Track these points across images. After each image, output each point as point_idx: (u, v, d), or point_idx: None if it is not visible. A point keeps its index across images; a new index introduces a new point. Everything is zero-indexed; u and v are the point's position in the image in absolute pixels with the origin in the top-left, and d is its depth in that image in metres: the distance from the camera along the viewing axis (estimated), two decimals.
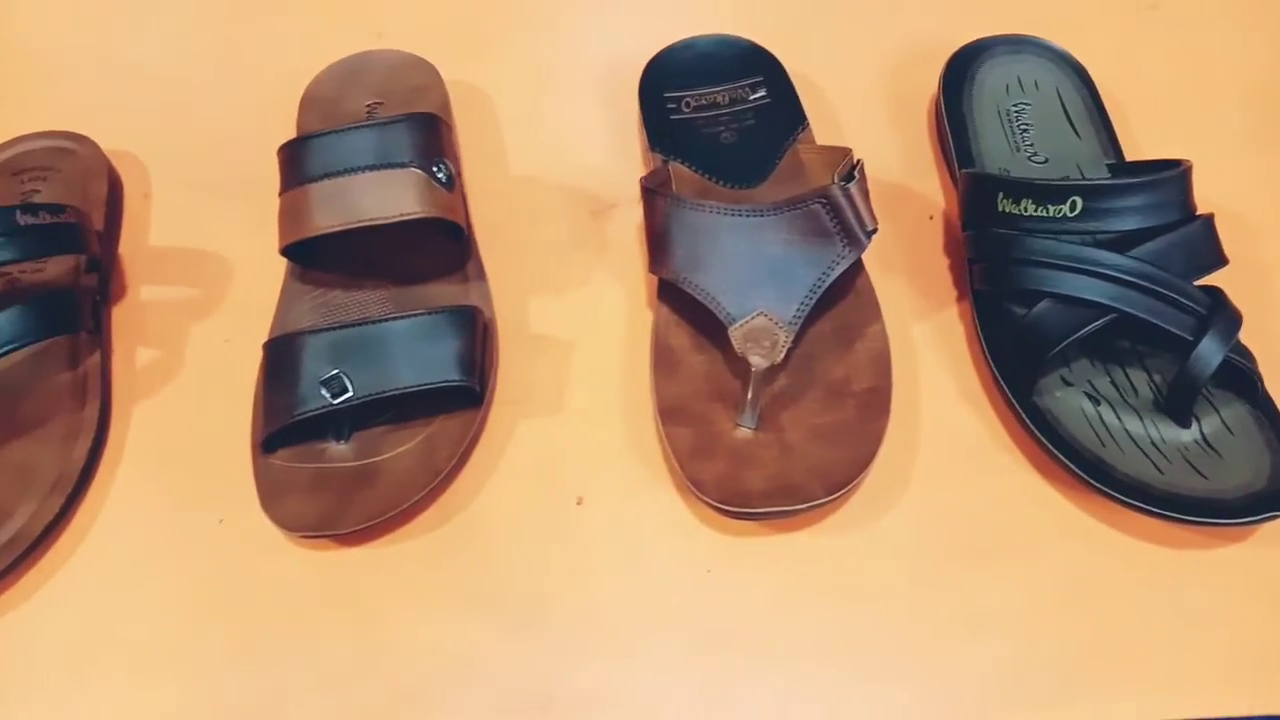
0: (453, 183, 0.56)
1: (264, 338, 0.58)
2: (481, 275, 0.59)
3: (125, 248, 0.65)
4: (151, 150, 0.69)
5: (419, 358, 0.52)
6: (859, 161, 0.56)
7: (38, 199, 0.63)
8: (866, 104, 0.68)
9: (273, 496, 0.52)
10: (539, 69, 0.71)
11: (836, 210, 0.53)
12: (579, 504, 0.54)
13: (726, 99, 0.65)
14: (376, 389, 0.52)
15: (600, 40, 0.72)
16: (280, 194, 0.57)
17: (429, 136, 0.56)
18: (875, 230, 0.54)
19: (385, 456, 0.54)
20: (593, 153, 0.67)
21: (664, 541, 0.53)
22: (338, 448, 0.54)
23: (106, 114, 0.70)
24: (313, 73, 0.69)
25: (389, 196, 0.53)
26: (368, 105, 0.66)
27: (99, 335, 0.59)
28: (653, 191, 0.57)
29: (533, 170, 0.67)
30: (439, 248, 0.60)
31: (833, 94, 0.69)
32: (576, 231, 0.64)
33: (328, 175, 0.54)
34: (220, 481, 0.55)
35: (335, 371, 0.52)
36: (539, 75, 0.71)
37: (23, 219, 0.54)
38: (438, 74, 0.67)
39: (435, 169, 0.55)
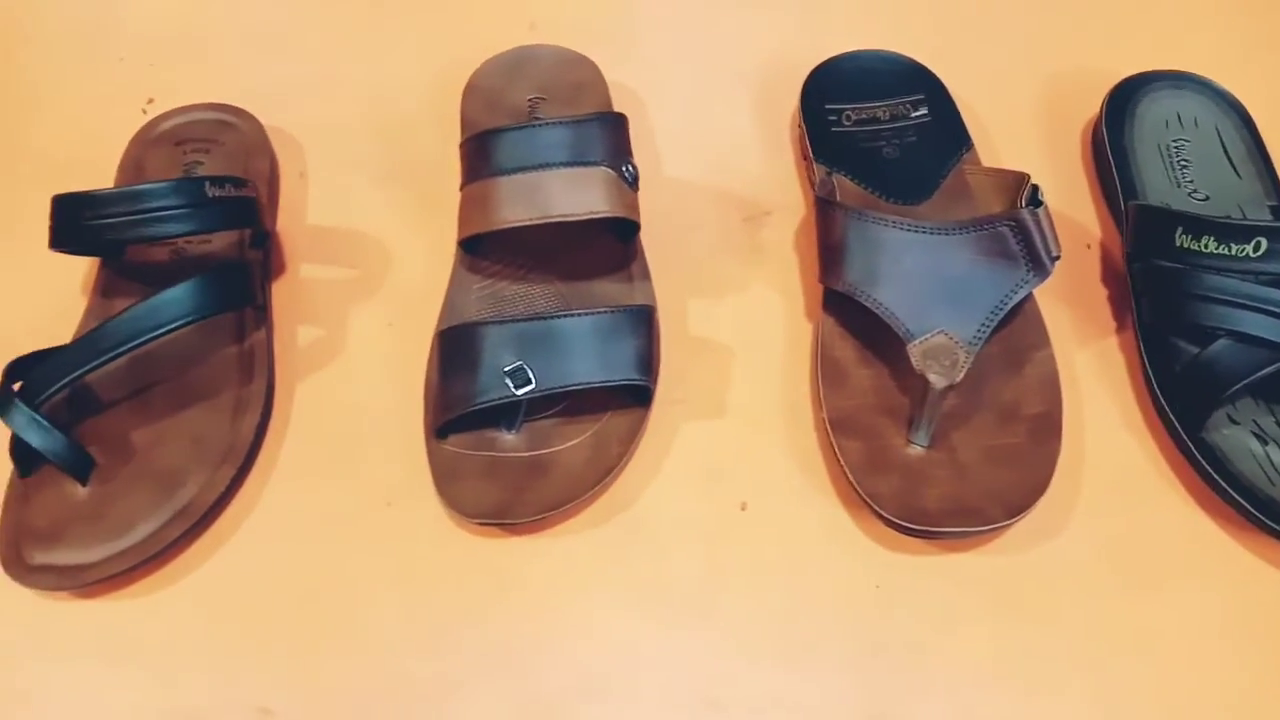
0: (637, 182, 0.56)
1: (426, 323, 0.59)
2: (646, 275, 0.60)
3: (282, 225, 0.65)
4: (307, 129, 0.69)
5: (600, 354, 0.53)
6: (1037, 186, 0.56)
7: (199, 170, 0.64)
8: (1020, 128, 0.69)
9: (448, 481, 0.53)
10: (691, 70, 0.72)
11: (1024, 234, 0.53)
12: (743, 509, 0.54)
13: (888, 115, 0.66)
14: (559, 383, 0.52)
15: (755, 46, 0.72)
16: (464, 185, 0.57)
17: (619, 136, 0.56)
18: (1059, 257, 0.54)
19: (557, 449, 0.54)
20: (745, 158, 0.68)
21: (830, 553, 0.53)
22: (508, 438, 0.54)
23: (262, 90, 0.70)
24: (464, 60, 0.69)
25: (580, 194, 0.54)
26: (530, 99, 0.66)
27: (264, 311, 0.59)
28: (829, 202, 0.57)
29: (684, 173, 0.67)
30: (607, 245, 0.60)
31: (986, 115, 0.69)
32: (730, 237, 0.64)
33: (520, 169, 0.54)
34: (387, 465, 0.56)
35: (518, 363, 0.52)
36: (691, 77, 0.71)
37: (211, 191, 0.54)
38: (599, 72, 0.67)
39: (624, 168, 0.55)
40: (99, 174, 0.65)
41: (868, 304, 0.54)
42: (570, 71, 0.67)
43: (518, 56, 0.68)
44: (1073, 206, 0.65)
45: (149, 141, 0.65)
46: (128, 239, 0.54)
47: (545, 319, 0.53)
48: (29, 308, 0.61)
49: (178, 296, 0.53)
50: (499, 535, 0.54)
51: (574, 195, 0.54)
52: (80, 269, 0.62)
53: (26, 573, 0.50)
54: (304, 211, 0.66)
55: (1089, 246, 0.64)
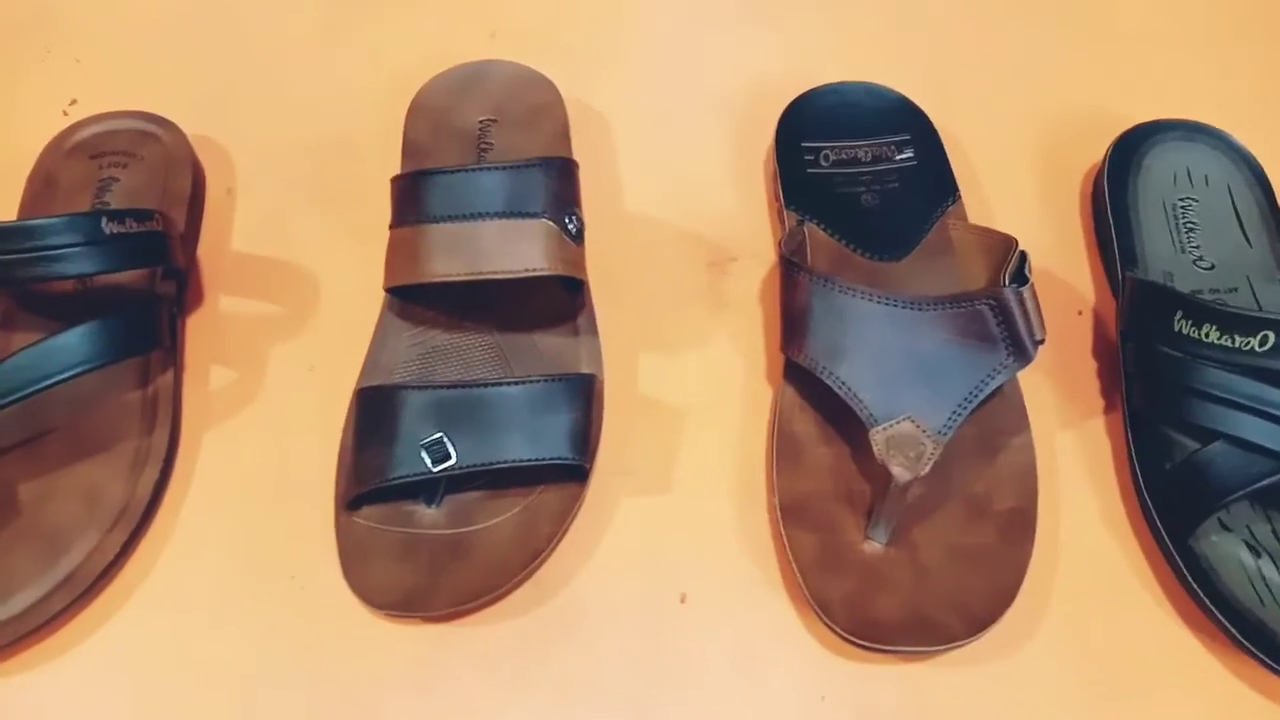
0: (582, 235, 0.51)
1: (352, 369, 0.54)
2: (593, 329, 0.54)
3: (204, 249, 0.60)
4: (238, 140, 0.64)
5: (530, 428, 0.48)
6: (1025, 256, 0.51)
7: (115, 189, 0.58)
8: (1014, 173, 0.63)
9: (356, 562, 0.48)
10: (662, 93, 0.66)
11: (1006, 315, 0.48)
12: (682, 602, 0.50)
13: (869, 156, 0.60)
14: (482, 459, 0.47)
15: (736, 72, 0.66)
16: (392, 227, 0.52)
17: (564, 184, 0.51)
18: (1043, 341, 0.49)
19: (480, 527, 0.49)
20: (713, 196, 0.62)
21: (775, 658, 0.48)
22: (428, 512, 0.50)
23: (194, 95, 0.65)
24: (419, 69, 0.63)
25: (517, 249, 0.49)
26: (480, 121, 0.60)
27: (173, 350, 0.54)
28: (794, 265, 0.52)
29: (646, 207, 0.62)
30: (551, 294, 0.55)
31: (978, 155, 0.63)
32: (691, 283, 0.59)
33: (451, 218, 0.49)
34: (295, 532, 0.51)
35: (438, 435, 0.47)
36: (663, 100, 0.66)
37: (109, 227, 0.49)
38: (558, 93, 0.61)
39: (567, 220, 0.50)
40: (9, 182, 0.60)
41: (829, 382, 0.49)
42: (527, 92, 0.62)
43: (469, 74, 0.62)
44: (1065, 265, 0.60)
45: (63, 152, 0.60)
46: (16, 278, 0.49)
47: (470, 388, 0.48)
48: None
49: (72, 343, 0.48)
50: (414, 622, 0.49)
51: (509, 249, 0.49)
52: None
53: None
54: (229, 234, 0.61)
55: (1080, 313, 0.58)
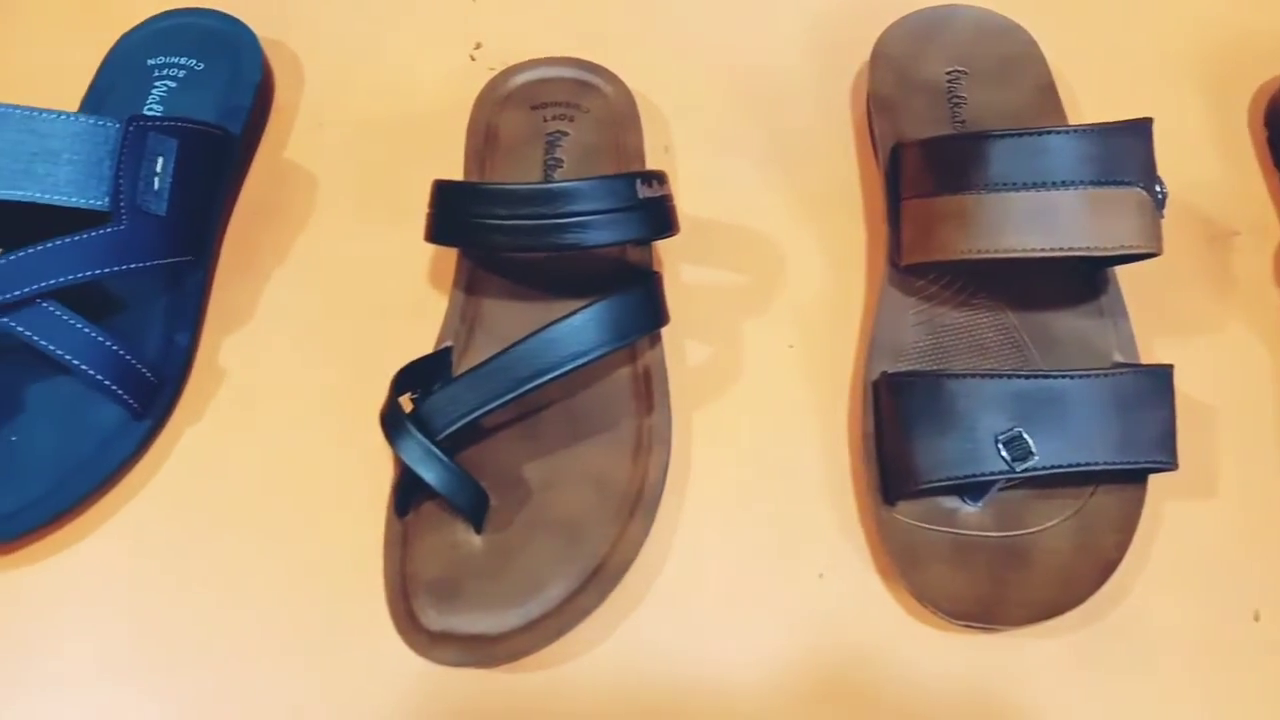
0: (1164, 204, 0.45)
1: (833, 347, 0.51)
2: (1123, 312, 0.49)
3: None
4: (668, 92, 0.59)
5: (1120, 427, 0.43)
6: None
7: (565, 144, 0.54)
8: None
9: (909, 564, 0.44)
10: (1127, 43, 0.60)
11: None
12: (1256, 620, 0.45)
13: None
14: (1068, 460, 0.43)
15: (1209, 19, 0.60)
16: (928, 194, 0.47)
17: (1150, 148, 0.45)
18: None
19: (1033, 532, 0.45)
20: (1196, 161, 0.56)
21: None
22: (971, 512, 0.45)
23: (598, 35, 0.60)
24: (849, 14, 0.58)
25: (1107, 222, 0.43)
26: (948, 73, 0.55)
27: None
28: None
29: None
30: (1068, 268, 0.49)
31: None
32: (1191, 261, 0.54)
33: (1027, 186, 0.43)
34: (813, 525, 0.47)
35: (1016, 429, 0.43)
36: (1127, 52, 0.60)
37: (642, 191, 0.45)
38: (1035, 44, 0.56)
39: (1157, 189, 0.44)
40: (432, 129, 0.56)
41: None
42: (996, 41, 0.56)
43: (930, 20, 0.57)
44: None
45: (497, 101, 0.56)
46: (544, 245, 0.45)
47: (1046, 378, 0.43)
48: (371, 279, 0.53)
49: (594, 321, 0.44)
50: (951, 629, 0.45)
51: (1098, 223, 0.43)
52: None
53: (428, 644, 0.42)
54: (676, 197, 0.56)
55: None
